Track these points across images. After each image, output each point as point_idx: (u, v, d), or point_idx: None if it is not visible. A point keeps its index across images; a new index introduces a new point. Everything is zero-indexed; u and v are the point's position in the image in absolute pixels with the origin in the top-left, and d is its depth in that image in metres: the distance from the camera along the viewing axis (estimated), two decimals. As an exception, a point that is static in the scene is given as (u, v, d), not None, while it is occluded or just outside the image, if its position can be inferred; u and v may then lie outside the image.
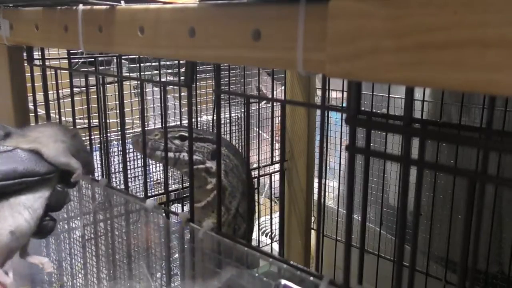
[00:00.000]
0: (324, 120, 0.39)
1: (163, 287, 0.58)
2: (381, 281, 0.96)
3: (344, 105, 0.97)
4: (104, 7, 0.49)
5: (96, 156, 1.11)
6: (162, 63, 1.25)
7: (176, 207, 1.37)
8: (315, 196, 1.11)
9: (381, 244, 1.04)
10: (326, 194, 1.16)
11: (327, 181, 1.12)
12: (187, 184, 1.18)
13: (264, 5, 0.35)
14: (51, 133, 0.51)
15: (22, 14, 0.61)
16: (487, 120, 0.37)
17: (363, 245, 0.37)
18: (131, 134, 1.46)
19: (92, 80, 1.00)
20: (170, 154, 0.67)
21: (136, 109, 1.57)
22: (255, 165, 1.08)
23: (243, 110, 1.55)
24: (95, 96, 1.02)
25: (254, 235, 1.30)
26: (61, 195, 0.50)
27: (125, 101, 0.70)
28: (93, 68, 1.18)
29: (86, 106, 0.64)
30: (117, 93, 1.28)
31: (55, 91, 0.67)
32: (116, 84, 1.17)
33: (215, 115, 0.49)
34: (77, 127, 0.65)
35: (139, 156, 1.45)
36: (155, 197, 1.13)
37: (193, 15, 0.40)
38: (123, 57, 1.17)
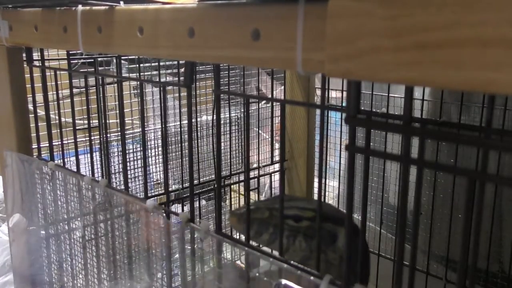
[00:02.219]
0: (324, 119, 0.39)
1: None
2: (382, 280, 0.96)
3: (344, 104, 0.97)
4: (103, 7, 0.49)
5: (96, 156, 1.11)
6: (161, 64, 1.25)
7: (176, 207, 1.37)
8: (315, 196, 1.11)
9: (381, 243, 1.04)
10: (326, 193, 1.16)
11: (327, 180, 1.12)
12: (187, 184, 1.18)
13: (263, 5, 0.35)
14: None
15: (21, 15, 0.61)
16: (486, 119, 0.37)
17: (363, 244, 0.37)
18: (131, 135, 1.47)
19: (91, 80, 1.00)
20: (284, 240, 0.54)
21: (136, 109, 1.57)
22: (255, 165, 1.08)
23: (242, 110, 1.55)
24: (95, 97, 1.02)
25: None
26: None
27: (124, 102, 0.70)
28: (93, 69, 1.18)
29: (85, 107, 0.64)
30: (116, 94, 1.28)
31: (54, 92, 0.67)
32: (116, 85, 1.17)
33: (214, 115, 0.49)
34: (77, 127, 0.65)
35: (139, 157, 1.45)
36: (155, 197, 1.13)
37: (193, 15, 0.40)
38: (122, 57, 1.17)
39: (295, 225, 0.53)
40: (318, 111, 1.06)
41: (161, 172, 1.55)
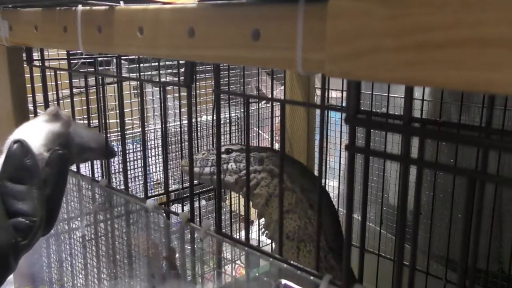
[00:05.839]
0: (324, 119, 0.39)
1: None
2: (382, 281, 0.96)
3: (344, 104, 0.97)
4: (103, 7, 0.49)
5: (96, 156, 1.11)
6: (161, 63, 1.25)
7: (176, 207, 1.37)
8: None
9: (381, 243, 1.04)
10: (326, 193, 1.16)
11: (327, 180, 1.12)
12: (187, 184, 1.18)
13: (263, 5, 0.35)
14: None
15: (21, 14, 0.61)
16: (486, 119, 0.37)
17: (363, 244, 0.37)
18: (131, 135, 1.47)
19: (91, 80, 1.00)
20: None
21: (136, 109, 1.57)
22: (255, 165, 1.08)
23: (242, 110, 1.55)
24: (95, 97, 1.02)
25: (254, 235, 1.30)
26: None
27: (124, 102, 0.70)
28: (93, 69, 1.18)
29: (85, 107, 0.64)
30: (116, 94, 1.28)
31: (54, 92, 0.67)
32: (116, 85, 1.17)
33: (214, 115, 0.49)
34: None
35: (139, 157, 1.45)
36: (155, 197, 1.13)
37: (192, 15, 0.40)
38: (122, 57, 1.17)
39: (226, 157, 0.76)
40: (318, 111, 1.05)
41: (161, 172, 1.55)
